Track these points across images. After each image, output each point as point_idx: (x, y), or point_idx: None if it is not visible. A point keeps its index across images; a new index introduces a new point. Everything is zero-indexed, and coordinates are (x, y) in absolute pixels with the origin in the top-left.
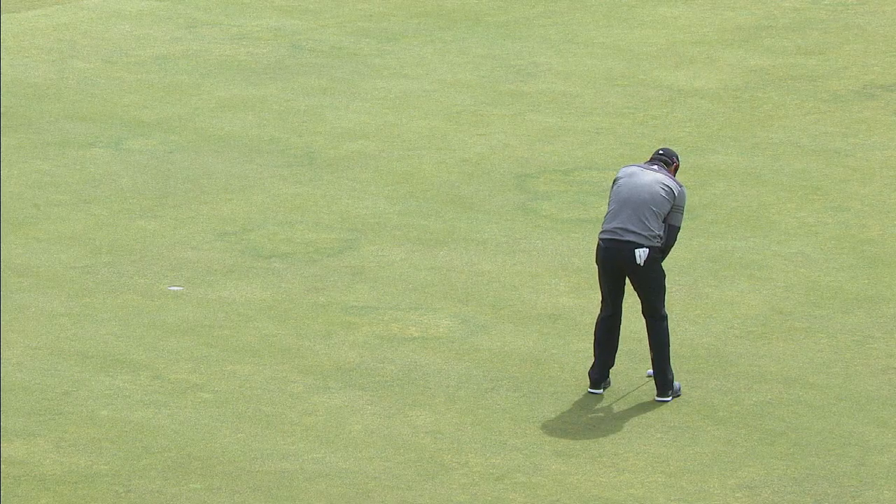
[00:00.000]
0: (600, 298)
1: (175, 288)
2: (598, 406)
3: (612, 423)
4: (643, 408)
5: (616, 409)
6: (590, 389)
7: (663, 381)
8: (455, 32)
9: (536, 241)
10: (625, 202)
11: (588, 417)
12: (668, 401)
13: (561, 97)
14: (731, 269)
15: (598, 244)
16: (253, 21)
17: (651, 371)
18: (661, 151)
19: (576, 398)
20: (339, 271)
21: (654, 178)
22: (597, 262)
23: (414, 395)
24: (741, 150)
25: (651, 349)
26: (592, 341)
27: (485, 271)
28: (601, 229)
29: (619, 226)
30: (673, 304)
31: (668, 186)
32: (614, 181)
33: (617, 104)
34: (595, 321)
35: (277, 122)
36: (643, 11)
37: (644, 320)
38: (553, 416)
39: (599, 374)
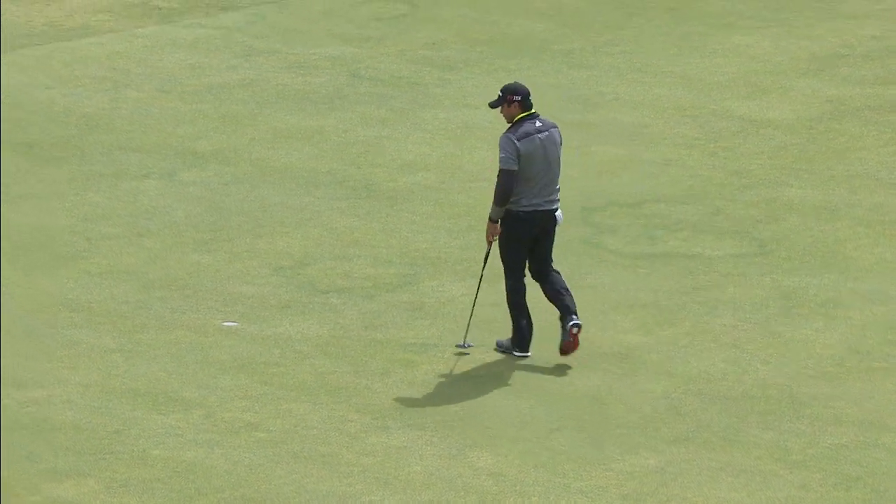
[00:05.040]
0: (511, 270)
1: (229, 324)
2: (666, 448)
3: (680, 466)
4: (712, 449)
5: (684, 451)
6: (522, 353)
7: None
8: (519, 61)
9: (602, 277)
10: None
11: (656, 460)
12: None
13: (628, 128)
14: (805, 307)
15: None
16: (311, 49)
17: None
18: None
19: (643, 440)
20: (398, 307)
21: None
22: (518, 231)
23: (475, 435)
24: (816, 184)
25: (565, 294)
26: (513, 313)
27: (549, 308)
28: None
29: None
30: (744, 342)
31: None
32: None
33: (687, 135)
34: (515, 293)
35: (335, 153)
36: (715, 40)
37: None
38: (619, 458)
39: (531, 336)
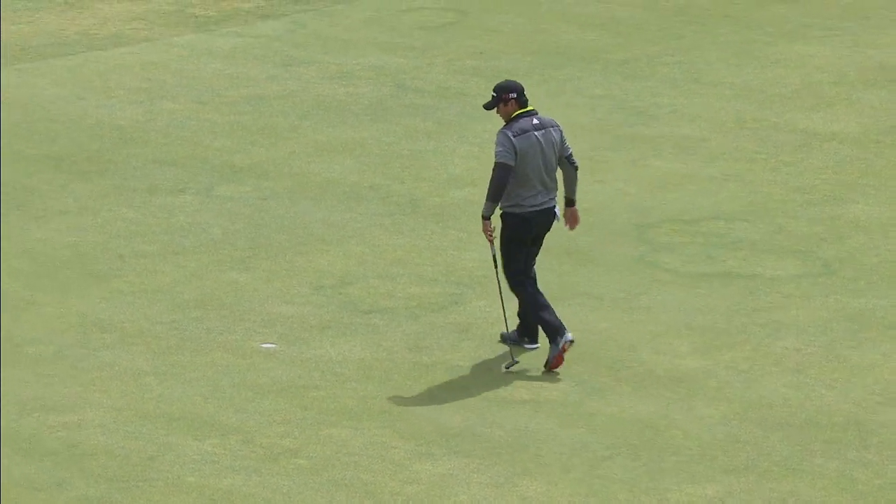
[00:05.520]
0: (514, 271)
1: (267, 345)
2: (725, 478)
3: (739, 497)
4: (773, 479)
5: (744, 481)
6: (564, 338)
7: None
8: (570, 71)
9: (657, 297)
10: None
11: (714, 490)
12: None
13: (685, 141)
14: (872, 330)
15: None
16: (353, 59)
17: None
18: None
19: (700, 469)
20: (443, 328)
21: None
22: (519, 231)
23: (524, 462)
24: (883, 200)
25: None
26: (541, 315)
27: (601, 329)
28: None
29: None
30: (807, 366)
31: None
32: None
33: (746, 149)
34: (529, 293)
35: (379, 167)
36: (777, 49)
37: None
38: (675, 487)
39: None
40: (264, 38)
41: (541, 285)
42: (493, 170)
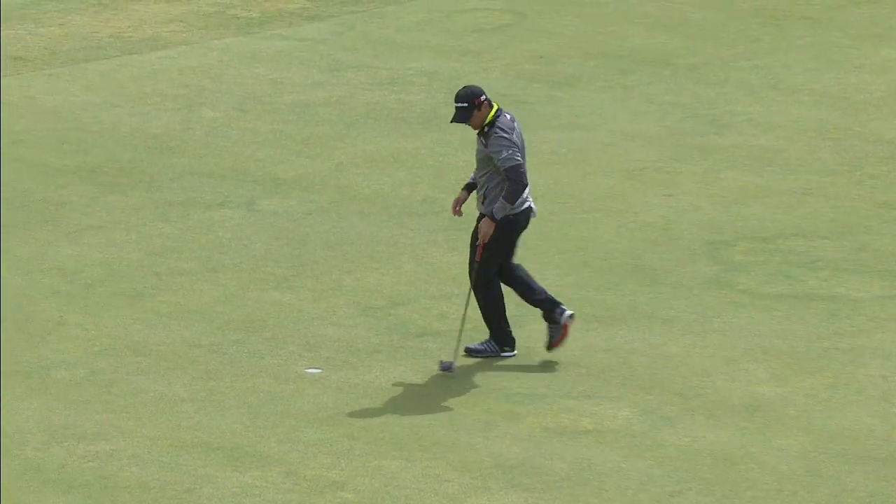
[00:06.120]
0: (490, 272)
1: (313, 370)
2: None
3: None
4: None
5: None
6: (510, 351)
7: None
8: (638, 76)
9: (732, 320)
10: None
11: None
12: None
13: (762, 152)
14: None
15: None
16: (405, 64)
17: (450, 362)
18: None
19: None
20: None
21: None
22: (515, 232)
23: (586, 498)
24: None
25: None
26: (495, 315)
27: (671, 354)
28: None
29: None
30: (893, 395)
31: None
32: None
33: (828, 161)
34: (498, 296)
35: (432, 179)
36: (860, 53)
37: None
38: None
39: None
40: (310, 41)
41: (605, 306)
42: (508, 173)
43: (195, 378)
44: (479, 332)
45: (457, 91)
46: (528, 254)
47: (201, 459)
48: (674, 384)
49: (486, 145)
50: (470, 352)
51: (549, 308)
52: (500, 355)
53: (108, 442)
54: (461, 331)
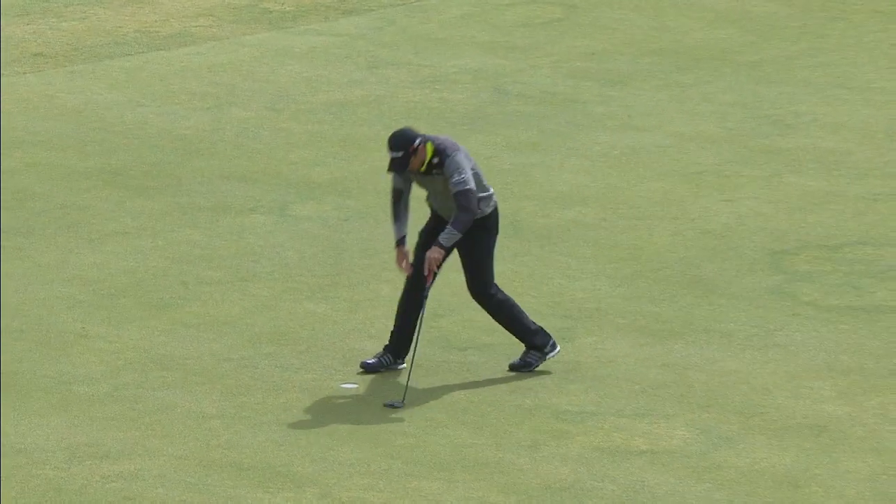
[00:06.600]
0: (491, 277)
1: (349, 385)
2: None
3: None
4: None
5: None
6: (552, 352)
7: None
8: (696, 74)
9: (795, 334)
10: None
11: None
12: None
13: (828, 155)
14: None
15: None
16: (448, 60)
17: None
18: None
19: None
20: (548, 367)
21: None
22: (496, 232)
23: None
24: None
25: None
26: (514, 322)
27: (730, 370)
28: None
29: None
30: None
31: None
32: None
33: None
34: (504, 303)
35: None
36: None
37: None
38: None
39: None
40: (347, 36)
41: (659, 319)
42: (459, 197)
43: (225, 394)
44: (515, 347)
45: (387, 139)
46: (577, 263)
47: (231, 480)
48: (733, 402)
49: (442, 174)
50: (514, 368)
51: (396, 344)
52: (546, 359)
53: (132, 461)
54: (410, 371)
